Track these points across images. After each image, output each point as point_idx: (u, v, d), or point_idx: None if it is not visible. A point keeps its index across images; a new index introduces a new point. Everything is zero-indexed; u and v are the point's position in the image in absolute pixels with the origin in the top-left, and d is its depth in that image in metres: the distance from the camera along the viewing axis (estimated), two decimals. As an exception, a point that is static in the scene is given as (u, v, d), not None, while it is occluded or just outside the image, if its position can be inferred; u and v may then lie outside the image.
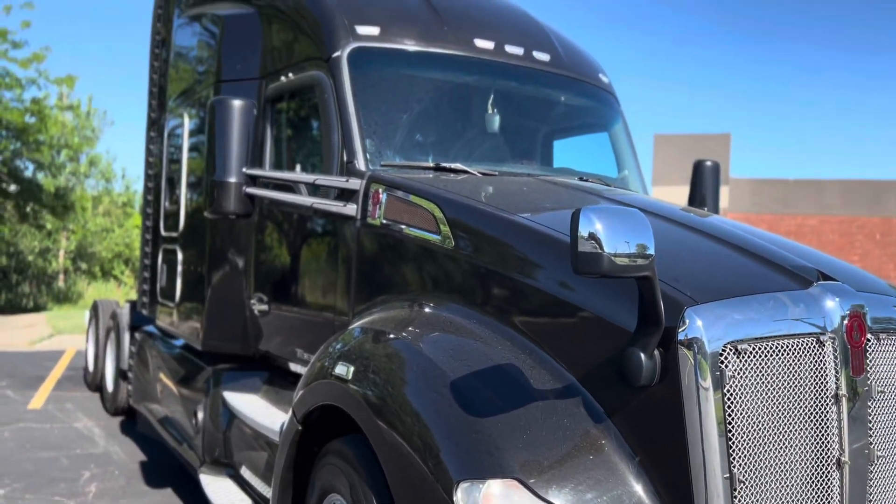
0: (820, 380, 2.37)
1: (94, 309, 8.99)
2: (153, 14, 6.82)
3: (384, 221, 3.46)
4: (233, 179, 3.72)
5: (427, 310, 3.11)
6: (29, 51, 18.47)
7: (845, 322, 2.42)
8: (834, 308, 2.41)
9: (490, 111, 4.15)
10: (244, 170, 3.76)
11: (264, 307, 4.38)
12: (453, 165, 3.75)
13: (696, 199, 4.80)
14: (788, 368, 2.32)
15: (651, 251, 2.07)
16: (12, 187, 20.09)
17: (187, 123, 5.49)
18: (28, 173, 20.76)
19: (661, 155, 17.90)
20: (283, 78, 4.23)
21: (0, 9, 17.88)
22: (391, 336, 3.00)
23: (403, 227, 3.37)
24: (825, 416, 2.37)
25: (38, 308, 22.07)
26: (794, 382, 2.32)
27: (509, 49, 4.25)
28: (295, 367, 4.15)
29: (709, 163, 4.83)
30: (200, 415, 4.72)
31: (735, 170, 19.88)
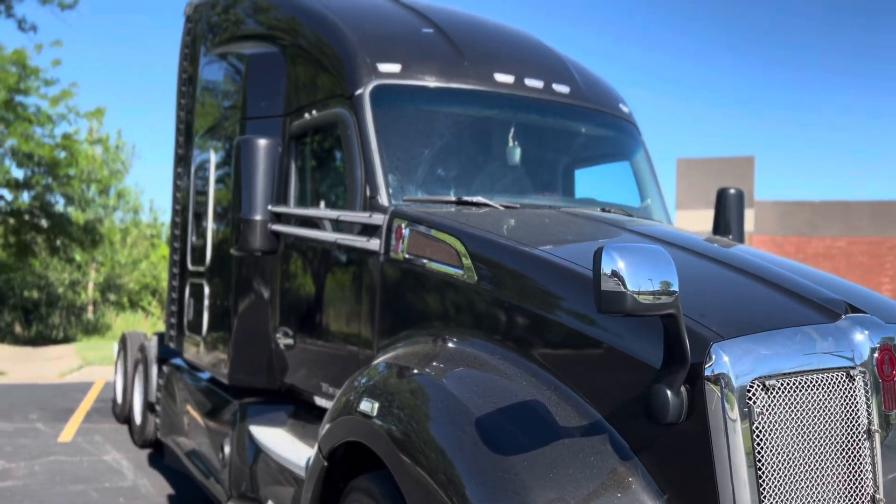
0: (851, 415, 2.33)
1: (123, 341, 9.10)
2: (180, 53, 6.99)
3: (407, 256, 3.49)
4: (258, 217, 3.79)
5: (450, 345, 3.12)
6: (58, 87, 19.01)
7: (875, 355, 2.38)
8: (863, 341, 2.38)
9: (511, 144, 4.19)
10: (269, 207, 3.82)
11: (290, 341, 4.41)
12: (475, 199, 3.77)
13: (720, 227, 4.77)
14: (818, 404, 2.28)
15: (675, 288, 2.06)
16: (43, 222, 20.53)
17: (214, 160, 5.59)
18: (58, 207, 21.22)
19: (684, 179, 17.82)
20: (306, 115, 4.30)
21: (31, 48, 18.46)
22: (415, 371, 3.01)
23: (426, 261, 3.39)
24: (858, 451, 2.32)
25: (67, 339, 22.39)
26: (824, 418, 2.29)
27: (529, 82, 4.29)
28: (320, 401, 4.16)
29: (732, 190, 4.80)
30: (227, 449, 4.74)
31: (760, 192, 19.70)
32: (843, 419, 2.32)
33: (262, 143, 3.85)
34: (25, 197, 20.51)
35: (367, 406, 2.93)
